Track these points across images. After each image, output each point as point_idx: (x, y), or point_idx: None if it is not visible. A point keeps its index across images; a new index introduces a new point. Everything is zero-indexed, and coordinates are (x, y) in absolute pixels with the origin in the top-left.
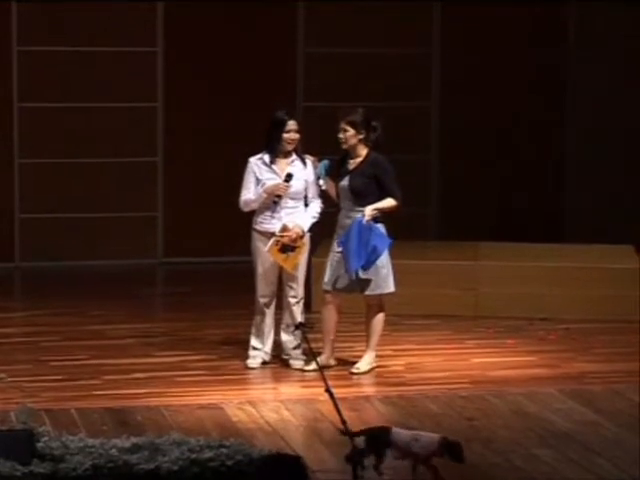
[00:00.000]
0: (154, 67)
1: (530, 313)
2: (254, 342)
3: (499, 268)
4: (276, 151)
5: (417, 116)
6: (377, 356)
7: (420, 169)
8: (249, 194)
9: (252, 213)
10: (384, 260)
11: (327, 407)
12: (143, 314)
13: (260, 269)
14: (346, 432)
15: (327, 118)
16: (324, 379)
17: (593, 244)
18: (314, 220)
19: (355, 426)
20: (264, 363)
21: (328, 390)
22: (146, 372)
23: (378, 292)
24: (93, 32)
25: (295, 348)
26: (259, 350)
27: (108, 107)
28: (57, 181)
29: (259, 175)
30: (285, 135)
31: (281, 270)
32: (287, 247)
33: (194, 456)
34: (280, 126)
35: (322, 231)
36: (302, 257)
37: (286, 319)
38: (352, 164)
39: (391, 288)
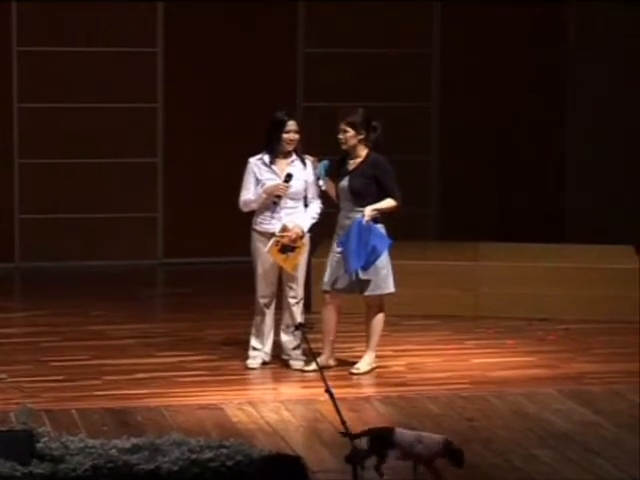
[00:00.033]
0: (154, 67)
1: (530, 313)
2: (254, 342)
3: (499, 268)
4: (276, 151)
5: (417, 116)
6: (377, 356)
7: (420, 169)
8: (249, 194)
9: (252, 213)
10: (384, 260)
11: (327, 407)
12: (143, 314)
13: (260, 269)
14: (348, 434)
15: (327, 118)
16: (324, 379)
17: (593, 244)
18: (314, 220)
19: (355, 426)
20: (264, 363)
21: (328, 390)
22: (146, 372)
23: (378, 292)
24: (93, 32)
25: (295, 348)
26: (259, 350)
27: (108, 107)
28: (57, 181)
29: (259, 175)
30: (285, 135)
31: (281, 270)
32: (287, 247)
33: (194, 456)
34: (280, 126)
35: (322, 231)
36: (302, 257)
37: (286, 319)
38: (352, 164)
39: (391, 288)
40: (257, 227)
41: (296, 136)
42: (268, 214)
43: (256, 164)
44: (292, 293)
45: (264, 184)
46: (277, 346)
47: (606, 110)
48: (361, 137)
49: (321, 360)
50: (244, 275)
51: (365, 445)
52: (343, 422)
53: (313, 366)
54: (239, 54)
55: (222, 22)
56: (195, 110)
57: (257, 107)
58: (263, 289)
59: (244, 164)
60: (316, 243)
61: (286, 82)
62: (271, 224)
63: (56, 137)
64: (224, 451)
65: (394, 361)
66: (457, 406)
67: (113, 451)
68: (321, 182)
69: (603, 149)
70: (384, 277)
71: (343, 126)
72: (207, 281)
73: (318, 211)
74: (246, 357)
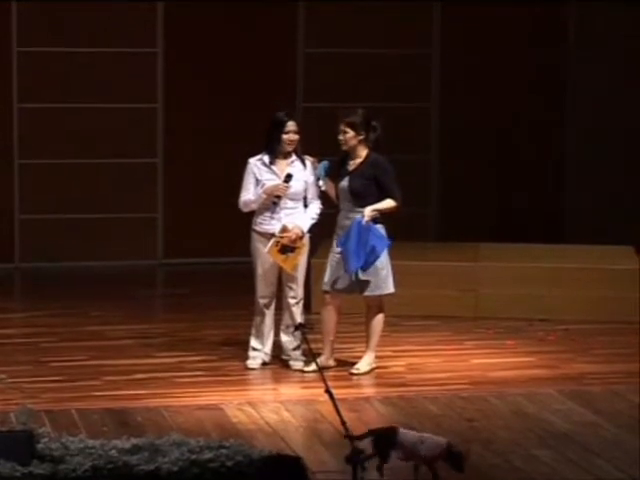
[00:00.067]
0: (154, 68)
1: (530, 314)
2: (254, 343)
3: (499, 269)
4: (276, 152)
5: (417, 116)
6: (377, 357)
7: (420, 169)
8: (248, 195)
9: (252, 214)
10: (384, 261)
11: (327, 408)
12: (142, 315)
13: (260, 270)
14: (352, 435)
15: (327, 119)
16: (324, 380)
17: (593, 244)
18: (313, 221)
19: (355, 427)
20: (264, 364)
21: (328, 391)
22: (146, 373)
23: (378, 293)
24: (93, 32)
25: (295, 349)
26: (259, 351)
27: (108, 108)
28: (57, 182)
29: (259, 176)
30: (284, 136)
31: (281, 271)
32: (287, 248)
33: (194, 457)
34: (279, 127)
35: (322, 232)
36: (302, 258)
37: (286, 320)
38: (352, 165)
39: (391, 289)
40: (257, 227)
41: (296, 137)
42: (268, 214)
43: (256, 164)
44: (292, 293)
45: (264, 184)
46: (277, 346)
47: (606, 110)
48: (361, 138)
49: (321, 360)
50: (244, 275)
51: (368, 446)
52: (343, 422)
53: (313, 366)
54: (239, 54)
55: (222, 22)
56: (195, 110)
57: (257, 107)
58: (263, 289)
59: (244, 164)
60: (316, 243)
61: (286, 82)
62: (271, 224)
63: (56, 137)
64: (224, 452)
65: (394, 361)
66: (457, 406)
67: (113, 452)
68: (321, 182)
69: (603, 149)
70: (384, 277)
71: (343, 127)
72: (206, 281)
73: (318, 211)
74: (246, 357)
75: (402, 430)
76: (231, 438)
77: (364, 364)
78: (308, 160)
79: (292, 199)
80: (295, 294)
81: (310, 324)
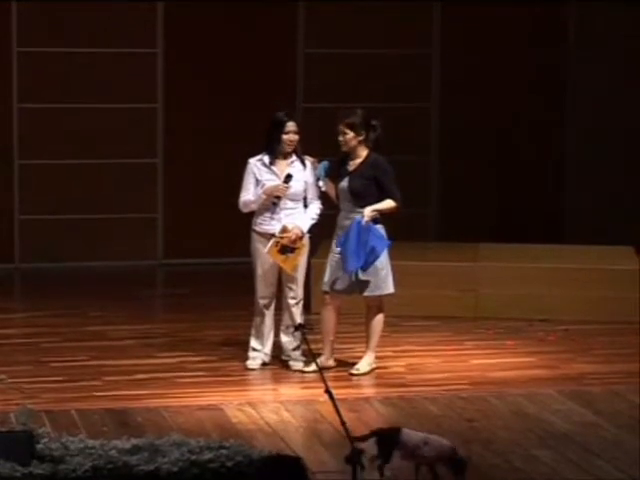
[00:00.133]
0: (154, 68)
1: (530, 314)
2: (254, 343)
3: (499, 269)
4: (276, 152)
5: (417, 117)
6: (377, 357)
7: (420, 169)
8: (248, 195)
9: (252, 214)
10: (383, 261)
11: (327, 408)
12: (143, 315)
13: (260, 270)
14: (356, 436)
15: (327, 119)
16: (324, 380)
17: (593, 245)
18: (313, 221)
19: (355, 427)
20: (264, 364)
21: (328, 391)
22: (146, 373)
23: (377, 293)
24: (93, 32)
25: (295, 349)
26: (259, 351)
27: (108, 108)
28: (57, 182)
29: (259, 176)
30: (284, 136)
31: (280, 271)
32: (287, 248)
33: (194, 457)
34: (279, 127)
35: (322, 232)
36: (302, 258)
37: (286, 320)
38: (352, 165)
39: (390, 289)
40: (257, 228)
41: (296, 137)
42: (268, 215)
43: (256, 165)
44: (292, 294)
45: (264, 185)
46: (277, 347)
47: (606, 110)
48: (361, 138)
49: (321, 361)
50: (244, 276)
51: (372, 446)
52: (343, 423)
53: (313, 367)
54: (239, 54)
55: (222, 22)
56: (195, 110)
57: (257, 107)
58: (263, 290)
59: (244, 164)
60: (316, 244)
61: (286, 82)
62: (271, 225)
63: (56, 138)
64: (224, 452)
65: (394, 362)
66: (457, 407)
67: (113, 452)
68: (321, 183)
69: (603, 149)
70: (384, 278)
71: (342, 128)
72: (207, 282)
73: (318, 212)
74: (246, 358)
75: (406, 430)
76: (231, 438)
77: (364, 364)
78: (308, 160)
79: (292, 199)
80: (295, 294)
81: (310, 324)
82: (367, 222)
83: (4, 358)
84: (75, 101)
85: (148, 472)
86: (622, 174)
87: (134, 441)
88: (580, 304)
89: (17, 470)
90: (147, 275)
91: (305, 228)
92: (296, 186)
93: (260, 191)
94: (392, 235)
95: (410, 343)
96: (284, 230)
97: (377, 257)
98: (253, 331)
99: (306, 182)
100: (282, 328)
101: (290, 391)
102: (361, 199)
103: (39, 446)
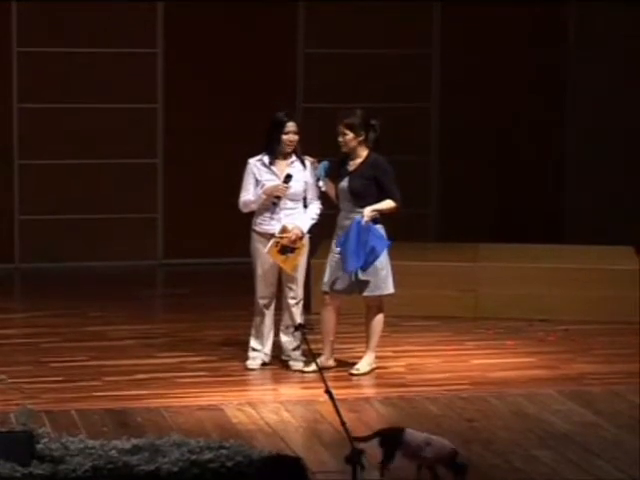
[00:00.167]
0: (154, 68)
1: (530, 314)
2: (254, 343)
3: (499, 269)
4: (275, 152)
5: (417, 117)
6: (377, 357)
7: (420, 170)
8: (248, 195)
9: (251, 214)
10: (383, 261)
11: (327, 408)
12: (143, 315)
13: (259, 270)
14: (359, 437)
15: (327, 119)
16: (324, 380)
17: (593, 245)
18: (313, 221)
19: (355, 427)
20: (264, 364)
21: (328, 391)
22: (146, 373)
23: (377, 293)
24: (93, 32)
25: (295, 349)
26: (259, 351)
27: (108, 108)
28: (57, 182)
29: (258, 176)
30: (284, 137)
31: (280, 271)
32: (287, 248)
33: (194, 457)
34: (279, 127)
35: (322, 232)
36: (301, 258)
37: (286, 320)
38: (352, 165)
39: (390, 289)
40: (257, 228)
41: (295, 137)
42: (268, 215)
43: (256, 165)
44: (292, 294)
45: (264, 185)
46: (277, 347)
47: (606, 110)
48: (360, 139)
49: (321, 361)
50: (244, 276)
51: (376, 447)
52: (343, 423)
53: (313, 367)
54: (239, 54)
55: (222, 22)
56: (195, 110)
57: (257, 107)
58: (263, 290)
59: (244, 164)
60: (316, 244)
61: (286, 82)
62: (271, 225)
63: (56, 138)
64: (224, 452)
65: (394, 362)
66: (457, 407)
67: (113, 452)
68: (321, 183)
69: (603, 149)
70: (383, 278)
71: (342, 129)
72: (206, 282)
73: (318, 212)
74: (246, 358)
75: (409, 430)
76: (231, 438)
77: (364, 364)
78: (308, 160)
79: (292, 199)
80: (295, 294)
81: (310, 324)
82: (367, 222)
83: (4, 358)
84: (75, 101)
85: (148, 472)
86: (622, 174)
87: (134, 441)
88: (580, 304)
89: (17, 470)
90: (147, 275)
91: (305, 228)
92: (296, 186)
93: (260, 191)
94: (392, 235)
95: (410, 343)
96: (284, 230)
97: (377, 257)
98: (253, 331)
99: (306, 182)
100: (282, 328)
101: (290, 391)
102: (361, 199)
103: (39, 446)
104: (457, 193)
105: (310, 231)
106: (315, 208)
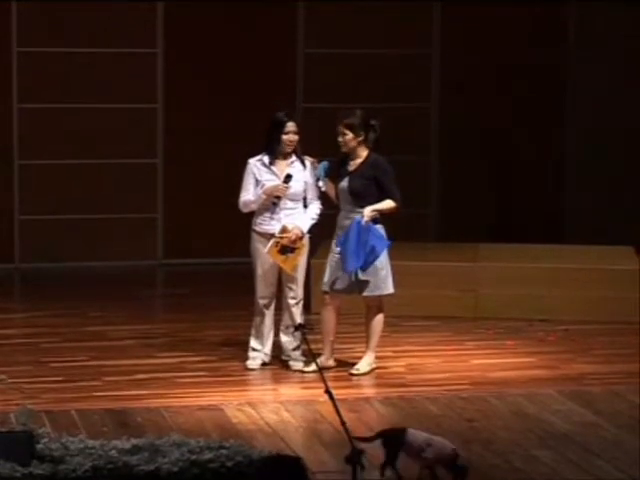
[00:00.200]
0: (154, 68)
1: (530, 314)
2: (254, 343)
3: (499, 269)
4: (275, 152)
5: (417, 117)
6: (377, 357)
7: (420, 170)
8: (248, 195)
9: (251, 214)
10: (383, 261)
11: (327, 408)
12: (143, 315)
13: (259, 270)
14: (362, 437)
15: (327, 119)
16: (324, 380)
17: (593, 245)
18: (313, 221)
19: (355, 427)
20: (264, 364)
21: (328, 391)
22: (146, 373)
23: (377, 293)
24: (93, 32)
25: (295, 349)
26: (259, 351)
27: (108, 108)
28: (57, 182)
29: (258, 176)
30: (284, 137)
31: (280, 271)
32: (287, 248)
33: (194, 457)
34: (279, 127)
35: (322, 232)
36: (301, 258)
37: (286, 320)
38: (352, 165)
39: (390, 289)
40: (257, 228)
41: (295, 137)
42: (268, 215)
43: (256, 165)
44: (292, 294)
45: (264, 185)
46: (277, 347)
47: (606, 110)
48: (360, 139)
49: (321, 361)
50: (244, 276)
51: (379, 447)
52: (343, 423)
53: (313, 367)
54: (239, 54)
55: (222, 22)
56: (195, 110)
57: (257, 107)
58: (263, 290)
59: (244, 164)
60: (316, 244)
61: (286, 82)
62: (271, 225)
63: (56, 138)
64: (224, 452)
65: (394, 362)
66: (457, 407)
67: (113, 452)
68: (321, 183)
69: (603, 149)
70: (383, 278)
71: (341, 129)
72: (206, 282)
73: (318, 212)
74: (246, 358)
75: (412, 431)
76: (231, 438)
77: (364, 364)
78: (308, 161)
79: (292, 200)
80: (295, 294)
81: (310, 324)
82: (367, 222)
83: (4, 358)
84: (75, 101)
85: (148, 472)
86: (622, 174)
87: (134, 441)
88: (580, 304)
89: (17, 470)
90: (147, 275)
91: (305, 228)
92: (296, 186)
93: (260, 191)
94: (392, 235)
95: (410, 343)
96: (284, 230)
97: (377, 257)
98: (253, 331)
99: (306, 182)
100: (282, 328)
101: (290, 391)
102: (361, 199)
103: (39, 446)
104: (457, 193)
105: (310, 231)
106: (315, 208)
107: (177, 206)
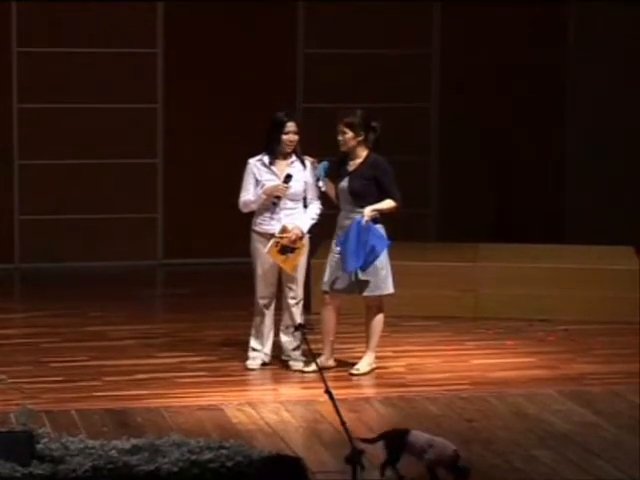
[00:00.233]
0: (154, 68)
1: (530, 314)
2: (254, 343)
3: (499, 269)
4: (275, 152)
5: (417, 117)
6: (377, 357)
7: (420, 170)
8: (248, 195)
9: (251, 214)
10: (383, 261)
11: (327, 408)
12: (143, 315)
13: (259, 270)
14: (365, 439)
15: (327, 119)
16: (324, 380)
17: (593, 245)
18: (313, 221)
19: (355, 428)
20: (264, 364)
21: (328, 391)
22: (146, 373)
23: (377, 293)
24: (93, 32)
25: (295, 349)
26: (259, 351)
27: (108, 108)
28: (57, 182)
29: (258, 176)
30: (284, 137)
31: (280, 271)
32: (287, 248)
33: (194, 457)
34: (279, 127)
35: (322, 232)
36: (301, 258)
37: (286, 320)
38: (352, 165)
39: (390, 289)
40: (257, 228)
41: (295, 137)
42: (268, 215)
43: (256, 165)
44: (292, 294)
45: (264, 185)
46: (277, 347)
47: (606, 110)
48: (360, 138)
49: (321, 361)
50: (244, 276)
51: (381, 449)
52: (343, 423)
53: (313, 367)
54: (239, 54)
55: (222, 22)
56: (195, 110)
57: (257, 107)
58: (263, 290)
59: (244, 164)
60: (316, 244)
61: (286, 82)
62: (271, 225)
63: (56, 138)
64: (224, 452)
65: (394, 362)
66: (457, 407)
67: (113, 452)
68: (321, 183)
69: (603, 149)
70: (383, 278)
71: (341, 128)
72: (207, 282)
73: (318, 212)
74: (246, 358)
75: (414, 432)
76: (231, 438)
77: (364, 364)
78: (308, 160)
79: (292, 199)
80: (295, 294)
81: (310, 324)
82: (367, 222)
83: (4, 358)
84: (75, 101)
85: (148, 472)
86: (622, 174)
87: (134, 441)
88: (580, 304)
89: (17, 470)
90: (147, 275)
91: (305, 228)
92: (296, 186)
93: (260, 191)
94: (392, 235)
95: (410, 343)
96: (284, 230)
97: (377, 257)
98: (253, 331)
99: (306, 182)
100: (282, 328)
101: (290, 391)
102: (361, 199)
103: (39, 446)
104: (457, 193)
105: (310, 231)
106: (315, 208)
107: (177, 206)
